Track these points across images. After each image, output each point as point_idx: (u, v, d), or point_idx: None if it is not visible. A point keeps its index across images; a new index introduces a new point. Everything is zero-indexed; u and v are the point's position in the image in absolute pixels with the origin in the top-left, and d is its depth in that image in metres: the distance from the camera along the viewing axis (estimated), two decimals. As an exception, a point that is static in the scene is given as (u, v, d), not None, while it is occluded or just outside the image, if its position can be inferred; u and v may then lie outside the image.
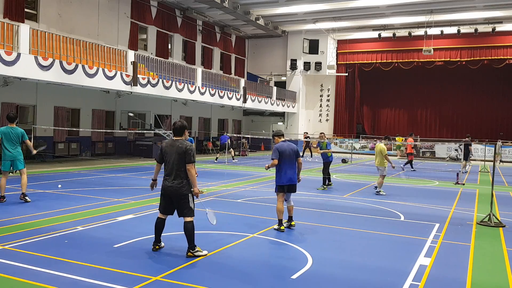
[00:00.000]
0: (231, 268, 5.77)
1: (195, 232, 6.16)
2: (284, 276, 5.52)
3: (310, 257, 6.29)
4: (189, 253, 6.10)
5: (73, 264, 5.65)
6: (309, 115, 36.75)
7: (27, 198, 9.78)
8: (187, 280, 5.24)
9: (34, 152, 10.22)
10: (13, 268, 5.45)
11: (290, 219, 8.13)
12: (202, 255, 6.13)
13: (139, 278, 5.22)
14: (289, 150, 7.92)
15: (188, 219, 6.13)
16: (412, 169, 21.06)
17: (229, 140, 24.15)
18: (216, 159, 23.47)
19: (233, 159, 24.15)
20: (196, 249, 6.13)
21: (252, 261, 6.08)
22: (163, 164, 6.37)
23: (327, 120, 36.57)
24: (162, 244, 6.49)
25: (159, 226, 6.39)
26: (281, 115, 36.22)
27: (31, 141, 10.50)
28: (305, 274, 5.62)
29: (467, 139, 21.34)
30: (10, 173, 10.15)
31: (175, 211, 6.30)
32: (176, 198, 6.14)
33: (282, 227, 7.84)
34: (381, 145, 12.82)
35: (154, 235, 6.44)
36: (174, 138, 6.33)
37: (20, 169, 9.79)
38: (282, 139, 8.11)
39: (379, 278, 5.60)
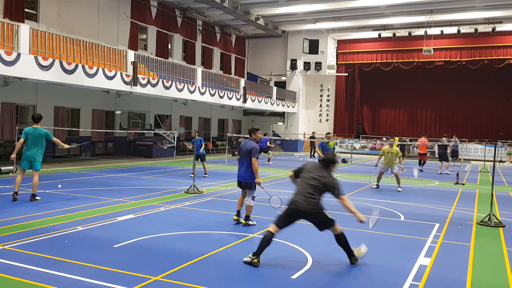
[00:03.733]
0: (231, 268, 5.76)
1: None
2: (284, 276, 5.51)
3: (310, 257, 6.29)
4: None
5: (73, 264, 5.65)
6: (309, 115, 36.76)
7: (37, 198, 9.86)
8: (187, 280, 5.24)
9: (66, 146, 10.27)
10: (13, 268, 5.44)
11: (245, 218, 8.15)
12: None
13: (139, 278, 5.21)
14: (244, 149, 8.12)
15: None
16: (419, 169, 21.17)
17: (268, 142, 23.56)
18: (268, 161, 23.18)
19: (269, 161, 23.35)
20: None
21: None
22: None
23: (327, 120, 36.57)
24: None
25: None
26: (281, 115, 36.23)
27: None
28: (305, 274, 5.62)
29: (443, 139, 21.42)
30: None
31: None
32: None
33: (235, 217, 8.30)
34: (397, 148, 14.24)
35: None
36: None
37: (36, 169, 9.81)
38: (250, 137, 8.23)
39: (379, 278, 5.60)
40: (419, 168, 21.20)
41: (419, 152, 21.96)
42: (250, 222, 8.14)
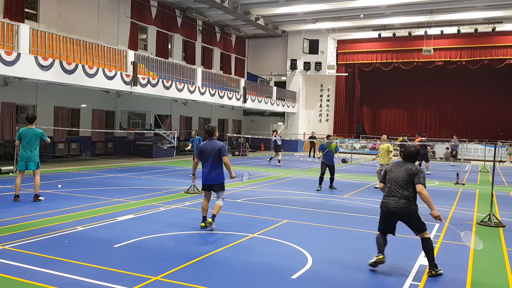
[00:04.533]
0: (231, 268, 5.77)
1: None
2: (284, 276, 5.52)
3: (310, 257, 6.29)
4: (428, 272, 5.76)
5: (73, 264, 5.65)
6: (309, 115, 36.76)
7: (40, 198, 9.90)
8: (187, 280, 5.24)
9: (48, 140, 10.22)
10: (13, 268, 5.45)
11: (212, 216, 7.72)
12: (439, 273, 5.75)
13: (139, 278, 5.22)
14: (210, 150, 7.67)
15: None
16: None
17: (279, 140, 22.55)
18: (278, 162, 22.21)
19: (279, 163, 22.09)
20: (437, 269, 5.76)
21: (252, 261, 6.08)
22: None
23: (327, 120, 36.57)
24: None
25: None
26: (281, 115, 36.24)
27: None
28: (305, 274, 5.62)
29: (423, 138, 21.06)
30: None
31: None
32: None
33: (203, 224, 7.67)
34: (388, 144, 13.94)
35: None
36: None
37: (34, 169, 9.86)
38: (211, 137, 7.84)
39: (379, 278, 5.61)
40: None
41: None
42: (213, 225, 7.74)
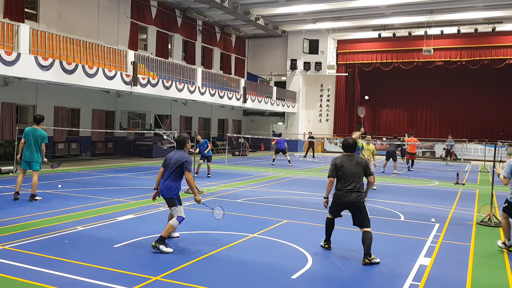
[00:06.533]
0: (231, 268, 5.77)
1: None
2: (284, 276, 5.52)
3: (310, 257, 6.30)
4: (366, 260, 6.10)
5: (73, 264, 5.65)
6: (309, 115, 36.75)
7: (37, 198, 9.92)
8: (187, 280, 5.24)
9: (45, 159, 10.20)
10: (13, 268, 5.45)
11: (160, 239, 6.38)
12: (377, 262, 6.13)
13: (139, 278, 5.22)
14: (173, 160, 6.77)
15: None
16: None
17: (286, 143, 22.19)
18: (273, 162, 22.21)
19: (289, 163, 21.52)
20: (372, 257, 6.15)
21: (252, 261, 6.08)
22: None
23: (327, 120, 36.56)
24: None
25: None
26: (281, 115, 36.24)
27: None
28: (305, 274, 5.62)
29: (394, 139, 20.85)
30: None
31: None
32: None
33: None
34: (372, 146, 14.64)
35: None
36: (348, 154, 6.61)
37: (35, 170, 9.90)
38: (180, 149, 6.97)
39: (379, 278, 5.61)
40: (410, 169, 20.88)
41: (408, 152, 21.66)
42: (161, 247, 6.24)
